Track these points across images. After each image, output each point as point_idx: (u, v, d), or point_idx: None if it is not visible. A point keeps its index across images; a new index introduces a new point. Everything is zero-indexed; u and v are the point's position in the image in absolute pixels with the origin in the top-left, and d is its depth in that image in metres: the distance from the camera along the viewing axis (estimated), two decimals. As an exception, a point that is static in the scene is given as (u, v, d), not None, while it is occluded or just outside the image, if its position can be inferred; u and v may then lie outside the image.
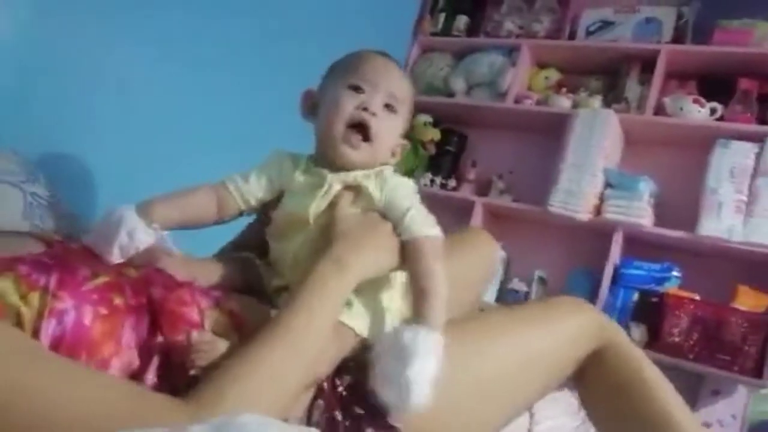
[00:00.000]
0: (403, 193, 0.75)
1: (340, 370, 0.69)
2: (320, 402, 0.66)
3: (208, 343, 0.59)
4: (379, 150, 0.76)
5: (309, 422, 0.64)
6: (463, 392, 0.75)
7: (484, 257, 1.03)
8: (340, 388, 0.67)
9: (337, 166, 0.76)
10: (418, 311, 0.68)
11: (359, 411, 0.66)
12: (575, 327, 0.85)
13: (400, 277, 0.76)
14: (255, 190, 0.79)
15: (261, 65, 1.67)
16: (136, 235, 0.66)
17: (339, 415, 0.65)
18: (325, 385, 0.67)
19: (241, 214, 0.81)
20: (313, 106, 0.81)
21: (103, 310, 0.54)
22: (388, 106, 0.76)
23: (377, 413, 0.67)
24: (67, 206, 0.96)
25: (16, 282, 0.51)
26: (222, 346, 0.60)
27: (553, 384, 0.87)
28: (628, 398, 0.81)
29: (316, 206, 0.74)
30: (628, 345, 0.86)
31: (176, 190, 0.76)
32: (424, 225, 0.73)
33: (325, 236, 0.71)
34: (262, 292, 0.78)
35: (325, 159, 0.77)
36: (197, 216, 0.76)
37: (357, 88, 0.76)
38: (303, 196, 0.76)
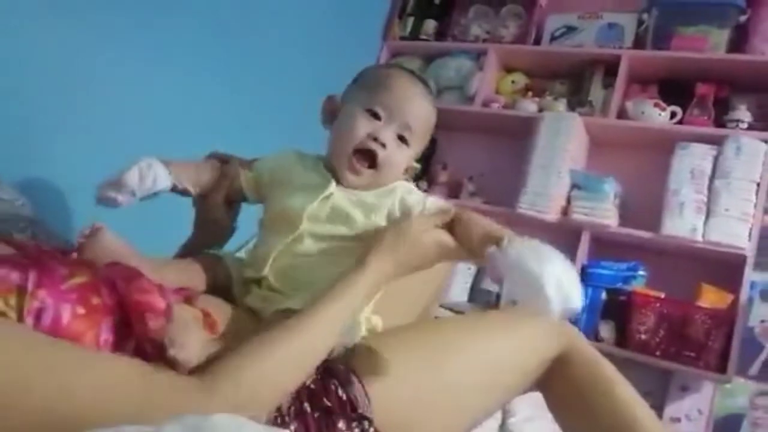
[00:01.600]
0: (416, 199, 0.79)
1: None
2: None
3: (184, 319, 0.59)
4: (385, 177, 0.78)
5: (278, 412, 0.63)
6: (432, 395, 0.76)
7: None
8: (308, 382, 0.67)
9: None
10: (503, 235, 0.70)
11: (328, 404, 0.66)
12: (536, 333, 0.87)
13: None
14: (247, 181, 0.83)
15: (230, 69, 1.65)
16: (157, 169, 0.71)
17: (308, 407, 0.65)
18: None
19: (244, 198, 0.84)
20: (332, 114, 0.82)
21: (81, 310, 0.53)
22: (400, 137, 0.77)
23: (347, 406, 0.67)
24: (32, 211, 0.93)
25: None
26: (194, 326, 0.61)
27: (517, 389, 0.89)
28: (591, 399, 0.83)
29: (312, 208, 0.75)
30: (587, 348, 0.88)
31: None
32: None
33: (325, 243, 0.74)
34: (227, 291, 0.78)
35: (333, 168, 0.79)
36: (206, 184, 0.82)
37: (374, 114, 0.76)
38: (303, 194, 0.76)
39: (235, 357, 0.57)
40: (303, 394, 0.66)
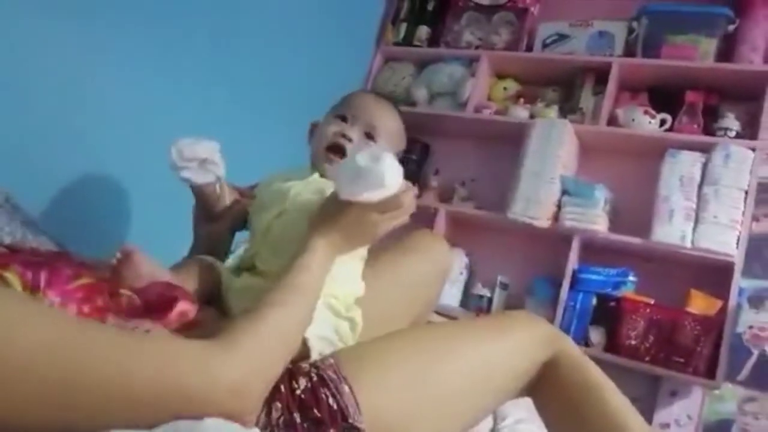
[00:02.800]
0: None
1: (298, 373, 0.69)
2: (277, 404, 0.65)
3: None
4: None
5: (269, 421, 0.64)
6: (423, 401, 0.76)
7: (435, 257, 1.08)
8: (298, 391, 0.67)
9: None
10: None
11: (318, 414, 0.66)
12: (526, 339, 0.88)
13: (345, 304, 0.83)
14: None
15: (223, 74, 1.65)
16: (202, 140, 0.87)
17: (298, 418, 0.66)
18: (282, 387, 0.66)
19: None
20: (313, 133, 0.96)
21: (86, 309, 0.55)
22: (367, 134, 0.90)
23: (338, 416, 0.67)
24: (25, 212, 0.93)
25: (17, 277, 0.53)
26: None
27: (508, 395, 0.89)
28: (580, 405, 0.83)
29: (297, 186, 0.87)
30: (577, 354, 0.89)
31: None
32: None
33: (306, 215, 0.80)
34: (220, 299, 0.82)
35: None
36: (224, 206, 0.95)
37: (343, 118, 0.91)
38: (289, 180, 0.88)
39: (248, 325, 0.60)
40: (293, 404, 0.66)
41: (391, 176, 0.73)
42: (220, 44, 1.63)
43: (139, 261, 0.71)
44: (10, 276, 0.53)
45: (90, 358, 0.46)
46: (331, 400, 0.68)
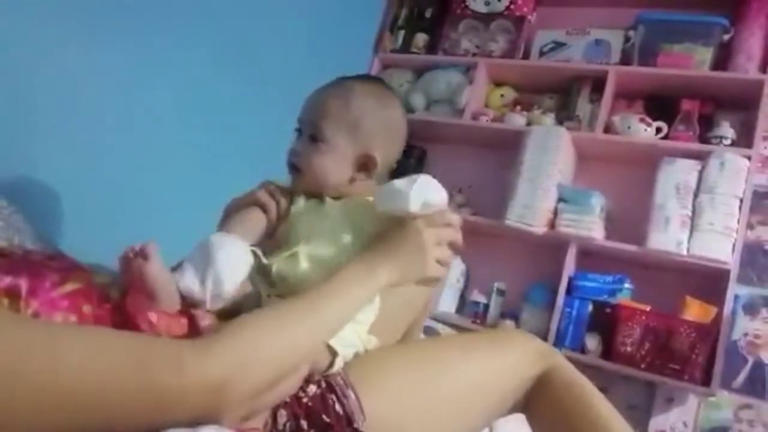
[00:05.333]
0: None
1: (305, 380, 0.69)
2: (282, 411, 0.66)
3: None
4: (316, 177, 0.81)
5: (275, 426, 0.64)
6: (420, 414, 0.77)
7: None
8: (306, 399, 0.67)
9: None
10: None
11: (327, 420, 0.66)
12: (518, 355, 0.88)
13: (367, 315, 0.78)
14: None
15: (221, 80, 1.66)
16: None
17: (305, 424, 0.66)
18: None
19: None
20: None
21: (73, 318, 0.53)
22: (312, 137, 0.81)
23: (344, 421, 0.68)
24: (26, 219, 0.93)
25: None
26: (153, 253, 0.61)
27: (500, 411, 0.89)
28: (573, 419, 0.83)
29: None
30: (569, 369, 0.89)
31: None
32: None
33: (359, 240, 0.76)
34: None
35: None
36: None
37: (298, 131, 0.84)
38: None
39: (235, 324, 0.57)
40: (300, 411, 0.66)
41: (420, 191, 0.73)
42: (218, 52, 1.64)
43: (155, 263, 0.61)
44: None
45: (63, 362, 0.45)
46: (337, 406, 0.68)
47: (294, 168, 0.83)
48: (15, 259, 0.59)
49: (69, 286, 0.55)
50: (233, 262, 0.65)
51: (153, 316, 0.58)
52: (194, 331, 0.61)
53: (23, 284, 0.51)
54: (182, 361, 0.50)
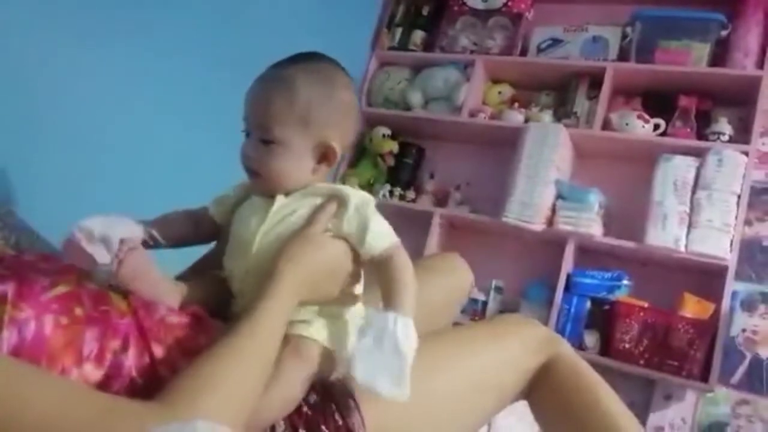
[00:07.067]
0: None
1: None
2: (280, 421, 0.65)
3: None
4: (278, 177, 0.75)
5: None
6: (417, 409, 0.76)
7: (459, 282, 1.08)
8: (305, 408, 0.66)
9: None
10: (391, 301, 0.69)
11: (325, 429, 0.66)
12: (521, 342, 0.87)
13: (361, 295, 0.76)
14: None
15: (217, 78, 1.65)
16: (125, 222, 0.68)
17: None
18: None
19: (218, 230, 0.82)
20: None
21: (64, 320, 0.52)
22: (263, 141, 0.74)
23: (344, 431, 0.67)
24: (20, 219, 0.92)
25: None
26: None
27: (505, 401, 0.89)
28: (576, 408, 0.83)
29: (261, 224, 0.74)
30: (572, 356, 0.89)
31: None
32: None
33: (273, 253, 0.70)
34: (228, 312, 0.77)
35: None
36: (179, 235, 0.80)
37: (247, 133, 0.76)
38: (251, 215, 0.76)
39: (191, 380, 0.54)
40: (298, 421, 0.65)
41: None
42: (217, 48, 1.63)
43: (140, 258, 0.64)
44: None
45: (31, 408, 0.44)
46: (337, 416, 0.67)
47: (252, 172, 0.76)
48: (5, 264, 0.58)
49: (60, 289, 0.54)
50: (112, 220, 0.67)
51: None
52: (199, 329, 0.63)
53: (9, 290, 0.50)
54: (143, 425, 0.48)
